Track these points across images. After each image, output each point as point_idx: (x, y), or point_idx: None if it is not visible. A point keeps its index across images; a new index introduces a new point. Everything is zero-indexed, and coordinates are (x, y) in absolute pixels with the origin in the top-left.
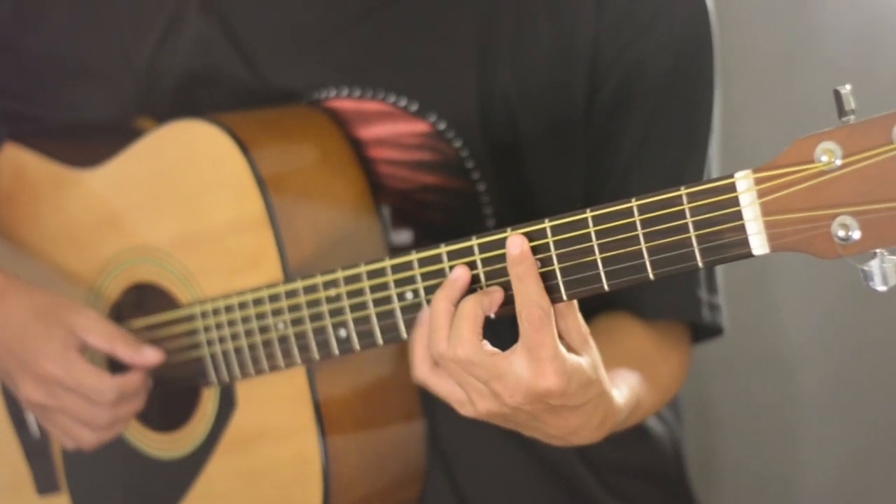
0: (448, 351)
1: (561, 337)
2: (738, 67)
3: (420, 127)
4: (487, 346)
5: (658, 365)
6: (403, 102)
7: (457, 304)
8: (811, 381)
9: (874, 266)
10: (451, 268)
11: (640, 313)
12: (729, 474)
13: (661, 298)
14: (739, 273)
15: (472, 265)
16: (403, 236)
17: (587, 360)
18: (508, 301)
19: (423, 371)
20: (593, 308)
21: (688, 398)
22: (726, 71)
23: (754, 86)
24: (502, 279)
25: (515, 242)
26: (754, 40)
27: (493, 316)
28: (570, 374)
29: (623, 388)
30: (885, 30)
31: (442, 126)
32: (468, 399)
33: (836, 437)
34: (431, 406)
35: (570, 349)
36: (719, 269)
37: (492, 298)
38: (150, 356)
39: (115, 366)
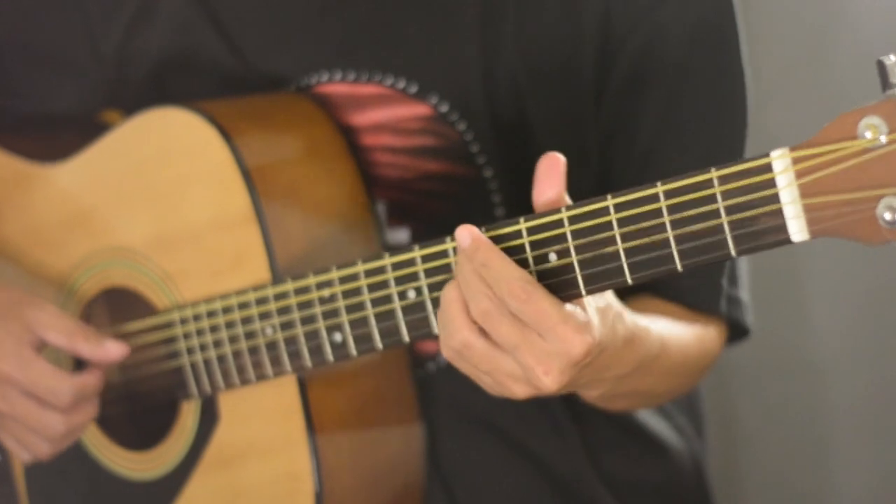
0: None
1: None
2: (765, 45)
3: (420, 110)
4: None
5: (686, 326)
6: (402, 84)
7: None
8: (845, 389)
9: None
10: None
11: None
12: (755, 492)
13: (678, 282)
14: (765, 268)
15: None
16: (404, 230)
17: (600, 300)
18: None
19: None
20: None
21: (709, 409)
22: (752, 49)
23: (783, 65)
24: None
25: (463, 234)
26: (782, 16)
27: None
28: (589, 322)
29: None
30: None
31: (444, 108)
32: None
33: (871, 451)
34: (431, 421)
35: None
36: (741, 262)
37: None
38: (114, 350)
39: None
